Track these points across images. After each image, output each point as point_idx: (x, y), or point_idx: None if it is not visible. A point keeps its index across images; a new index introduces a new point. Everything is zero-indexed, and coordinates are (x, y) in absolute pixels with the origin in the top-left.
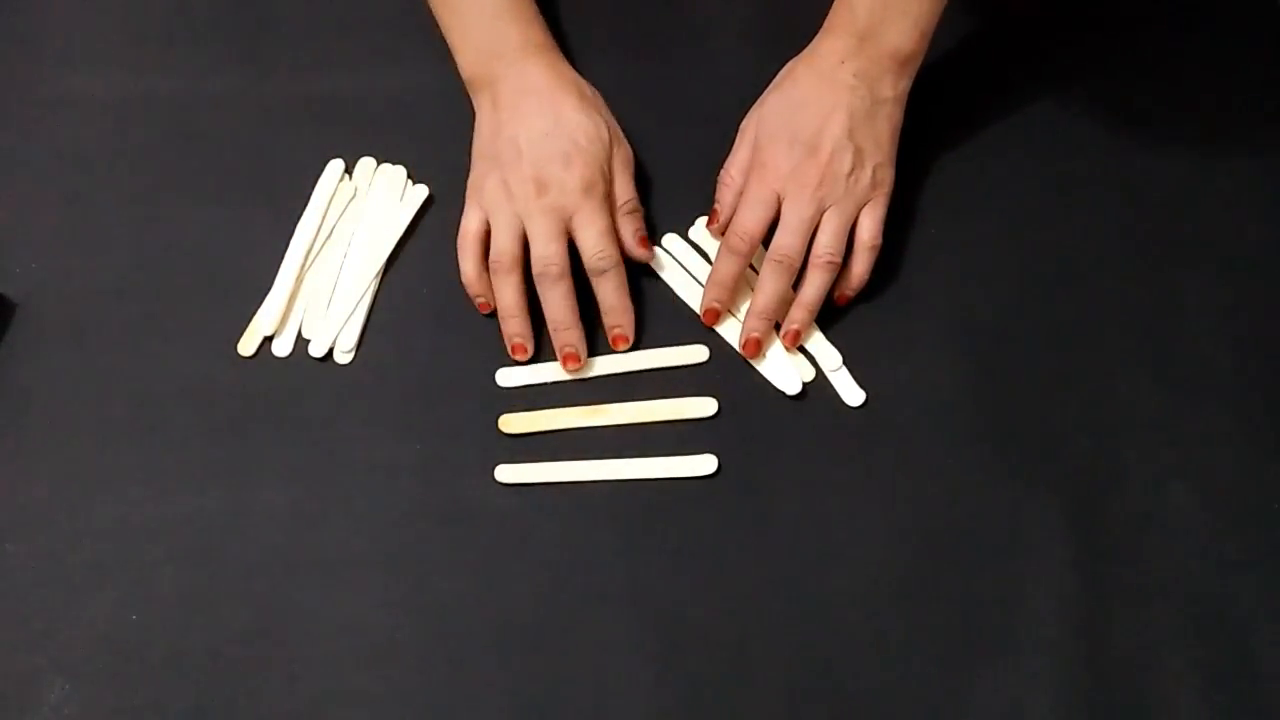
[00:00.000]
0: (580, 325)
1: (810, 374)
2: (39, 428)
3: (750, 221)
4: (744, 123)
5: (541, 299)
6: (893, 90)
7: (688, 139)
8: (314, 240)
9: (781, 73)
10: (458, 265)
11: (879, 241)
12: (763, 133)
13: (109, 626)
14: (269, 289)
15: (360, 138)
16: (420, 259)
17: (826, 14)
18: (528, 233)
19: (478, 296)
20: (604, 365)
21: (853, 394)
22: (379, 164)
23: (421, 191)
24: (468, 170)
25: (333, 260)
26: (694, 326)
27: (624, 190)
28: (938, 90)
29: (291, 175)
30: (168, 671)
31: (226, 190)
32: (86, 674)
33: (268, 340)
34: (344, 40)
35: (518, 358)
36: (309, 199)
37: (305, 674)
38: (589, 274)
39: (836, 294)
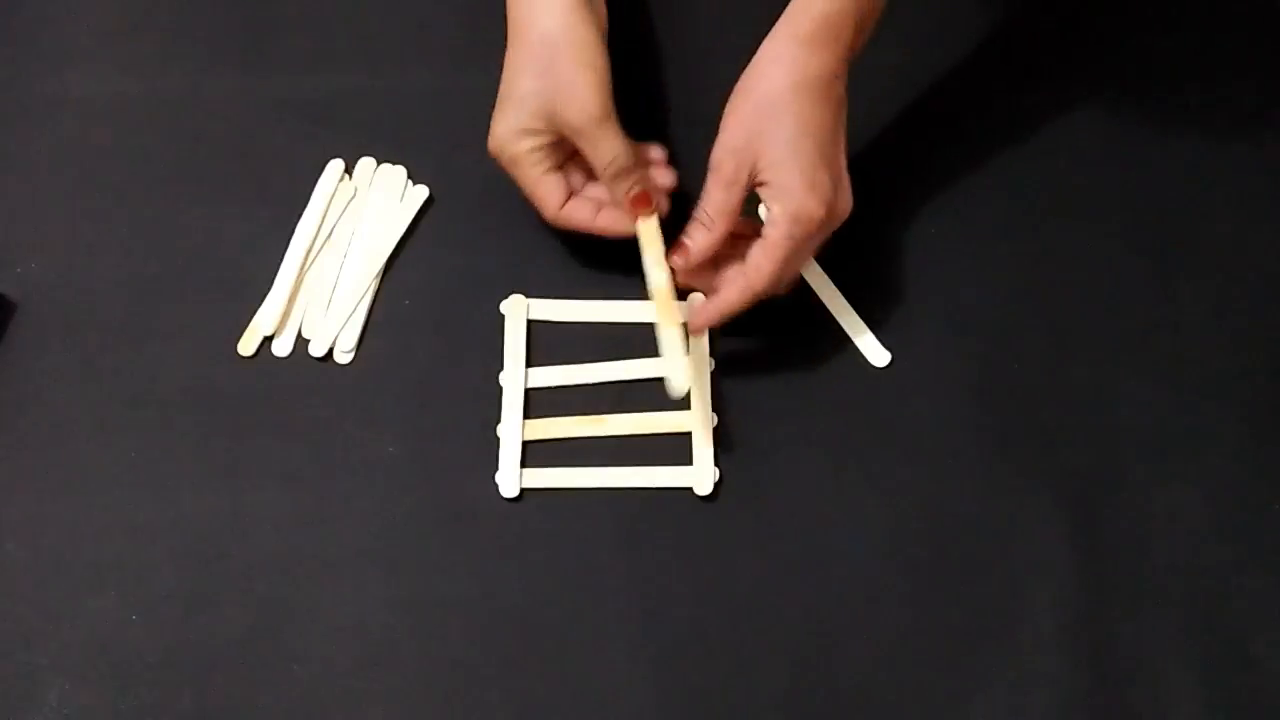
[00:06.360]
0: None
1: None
2: (39, 428)
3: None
4: (733, 108)
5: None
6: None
7: (685, 139)
8: (314, 240)
9: (778, 90)
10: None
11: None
12: (778, 166)
13: (109, 626)
14: (269, 289)
15: (360, 138)
16: (420, 259)
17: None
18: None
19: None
20: (604, 373)
21: (878, 354)
22: (379, 164)
23: (421, 191)
24: (468, 171)
25: (333, 260)
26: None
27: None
28: (938, 91)
29: (291, 175)
30: (168, 671)
31: (226, 190)
32: (86, 674)
33: (268, 340)
34: (344, 40)
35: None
36: (309, 199)
37: (305, 674)
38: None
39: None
